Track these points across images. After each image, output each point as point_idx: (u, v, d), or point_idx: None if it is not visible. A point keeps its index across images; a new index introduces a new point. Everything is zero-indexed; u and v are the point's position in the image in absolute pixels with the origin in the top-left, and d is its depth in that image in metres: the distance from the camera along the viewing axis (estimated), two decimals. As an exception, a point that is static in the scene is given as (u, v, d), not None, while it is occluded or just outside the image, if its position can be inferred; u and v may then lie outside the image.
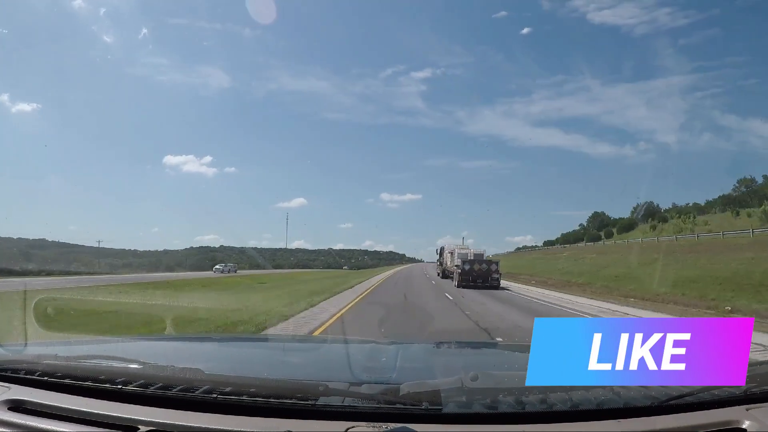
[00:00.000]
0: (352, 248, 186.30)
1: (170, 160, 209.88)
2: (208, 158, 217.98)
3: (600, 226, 66.58)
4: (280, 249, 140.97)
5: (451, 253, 30.54)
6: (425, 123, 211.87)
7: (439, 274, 36.19)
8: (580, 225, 77.84)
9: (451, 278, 28.79)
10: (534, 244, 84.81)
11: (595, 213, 73.61)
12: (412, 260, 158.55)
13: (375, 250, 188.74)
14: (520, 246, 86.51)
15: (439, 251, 37.32)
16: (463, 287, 23.35)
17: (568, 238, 70.14)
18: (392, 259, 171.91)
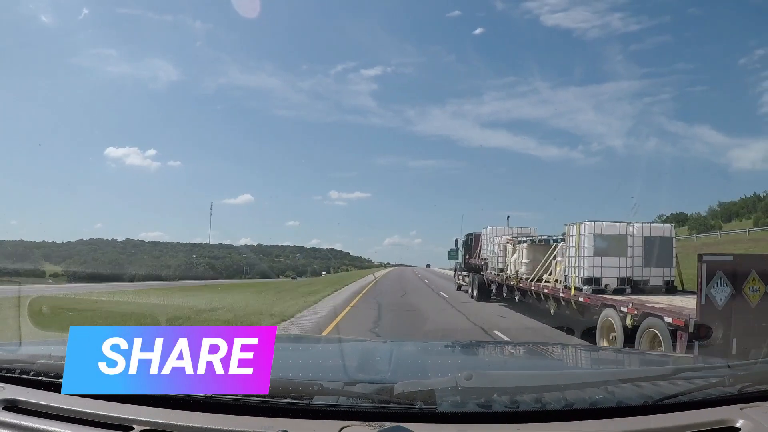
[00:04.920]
0: (299, 245, 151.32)
1: (113, 152, 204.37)
2: (152, 151, 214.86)
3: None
4: (198, 245, 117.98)
5: (532, 245, 11.58)
6: (375, 122, 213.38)
7: (461, 288, 19.56)
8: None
9: (505, 299, 13.19)
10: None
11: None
12: (359, 259, 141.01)
13: (313, 247, 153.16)
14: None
15: (467, 243, 18.34)
16: None
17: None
18: (333, 257, 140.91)
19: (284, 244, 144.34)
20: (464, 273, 19.16)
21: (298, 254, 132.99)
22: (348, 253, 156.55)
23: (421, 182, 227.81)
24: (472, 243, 17.74)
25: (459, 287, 20.38)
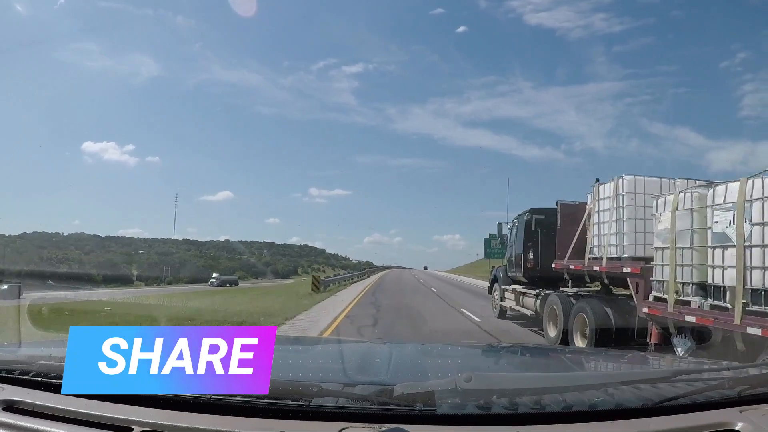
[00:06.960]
0: (278, 243, 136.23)
1: (90, 147, 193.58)
2: (130, 146, 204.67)
3: None
4: (160, 240, 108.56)
5: None
6: (356, 120, 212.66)
7: (506, 313, 11.32)
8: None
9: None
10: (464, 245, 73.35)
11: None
12: (335, 258, 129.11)
13: (285, 244, 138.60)
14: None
15: (528, 227, 9.58)
16: None
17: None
18: (305, 255, 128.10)
19: (253, 240, 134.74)
20: (522, 288, 10.20)
21: (264, 251, 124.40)
22: (323, 250, 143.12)
23: (403, 181, 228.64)
24: (551, 228, 8.85)
25: (503, 312, 11.51)
